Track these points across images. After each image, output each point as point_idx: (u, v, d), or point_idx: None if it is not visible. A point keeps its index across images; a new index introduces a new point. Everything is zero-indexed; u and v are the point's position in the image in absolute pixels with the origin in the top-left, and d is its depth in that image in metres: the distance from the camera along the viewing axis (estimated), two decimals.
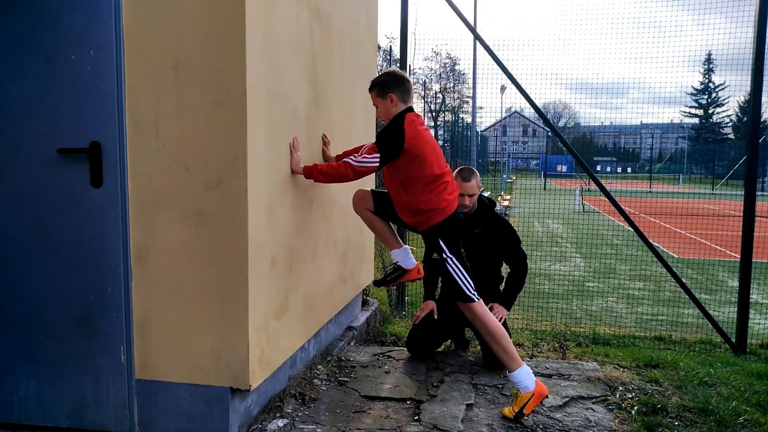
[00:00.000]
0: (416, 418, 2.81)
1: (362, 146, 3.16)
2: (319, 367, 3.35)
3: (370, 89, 3.01)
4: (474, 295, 2.93)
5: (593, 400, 3.06)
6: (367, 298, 4.79)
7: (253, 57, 2.34)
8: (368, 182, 4.46)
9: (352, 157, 2.83)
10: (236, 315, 2.38)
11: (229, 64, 2.29)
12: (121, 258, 2.41)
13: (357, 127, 4.00)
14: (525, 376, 2.81)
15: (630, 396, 3.11)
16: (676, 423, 2.82)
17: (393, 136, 2.81)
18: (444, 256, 2.93)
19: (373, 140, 4.18)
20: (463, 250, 3.00)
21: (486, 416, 2.85)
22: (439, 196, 2.88)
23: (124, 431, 2.48)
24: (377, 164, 2.80)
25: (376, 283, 3.31)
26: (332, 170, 2.80)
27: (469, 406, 2.95)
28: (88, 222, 2.42)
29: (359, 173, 2.80)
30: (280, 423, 2.65)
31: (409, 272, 3.19)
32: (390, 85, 2.92)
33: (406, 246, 3.20)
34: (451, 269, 2.92)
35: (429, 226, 2.92)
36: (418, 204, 2.89)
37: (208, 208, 2.36)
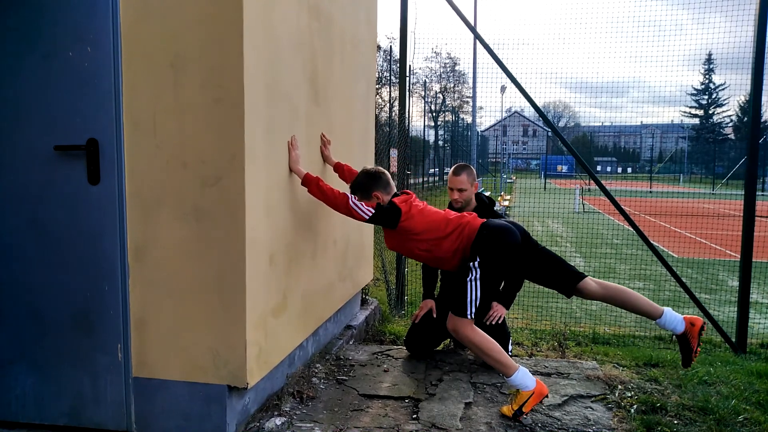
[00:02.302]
0: (415, 416, 2.80)
1: None
2: (318, 365, 3.35)
3: (352, 193, 3.03)
4: (471, 313, 2.85)
5: (592, 399, 3.05)
6: (366, 297, 4.78)
7: (251, 54, 2.33)
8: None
9: (354, 196, 2.92)
10: (234, 313, 2.37)
11: (228, 61, 2.28)
12: (118, 255, 2.40)
13: (357, 125, 3.99)
14: (522, 378, 2.80)
15: (629, 395, 3.10)
16: (675, 422, 2.81)
17: (391, 212, 2.91)
18: (472, 265, 2.84)
19: (372, 138, 4.19)
20: (496, 276, 2.95)
21: (484, 415, 2.84)
22: (457, 230, 2.91)
23: (121, 429, 2.47)
24: (367, 217, 2.87)
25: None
26: (330, 194, 2.86)
27: (467, 405, 2.95)
28: (86, 219, 2.41)
29: (349, 211, 2.87)
30: (278, 421, 2.64)
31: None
32: (369, 185, 3.02)
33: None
34: (469, 281, 2.82)
35: (470, 247, 2.89)
36: (450, 249, 2.92)
37: (206, 206, 2.35)
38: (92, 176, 2.39)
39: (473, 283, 2.83)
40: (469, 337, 2.86)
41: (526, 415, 2.77)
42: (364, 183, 3.03)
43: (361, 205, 2.88)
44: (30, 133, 2.40)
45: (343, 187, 3.52)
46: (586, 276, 2.98)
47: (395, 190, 3.10)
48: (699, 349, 2.91)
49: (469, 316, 2.84)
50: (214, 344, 2.39)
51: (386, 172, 3.09)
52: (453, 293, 2.89)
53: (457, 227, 2.92)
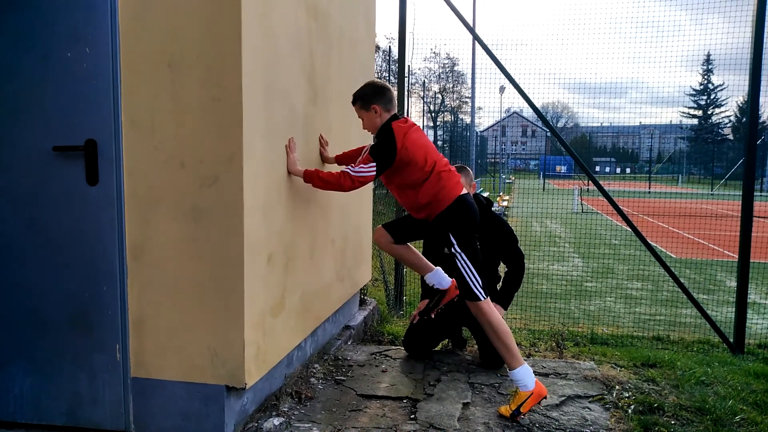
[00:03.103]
0: (412, 416, 2.80)
1: (363, 148, 3.17)
2: (316, 365, 3.35)
3: (353, 103, 3.06)
4: (481, 293, 2.91)
5: (590, 399, 3.06)
6: (365, 297, 4.78)
7: (249, 54, 2.33)
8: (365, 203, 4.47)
9: (350, 167, 2.86)
10: (232, 313, 2.37)
11: (226, 61, 2.29)
12: (116, 255, 2.40)
13: (355, 125, 3.98)
14: (525, 374, 2.81)
15: (627, 395, 3.11)
16: (673, 422, 2.82)
17: (386, 147, 2.86)
18: (453, 250, 2.91)
19: (371, 142, 4.19)
20: (478, 244, 2.98)
21: (482, 415, 2.85)
22: (436, 187, 2.90)
23: (119, 429, 2.47)
24: (374, 173, 2.84)
25: (422, 313, 3.28)
26: (332, 178, 2.83)
27: (465, 405, 2.95)
28: (84, 220, 2.41)
29: (358, 182, 2.82)
30: (276, 421, 2.64)
31: (448, 291, 3.13)
32: (372, 96, 2.98)
33: (438, 268, 3.15)
34: (460, 266, 2.90)
35: (435, 216, 2.94)
36: (420, 200, 2.94)
37: (204, 206, 2.35)
38: (90, 176, 2.39)
39: (462, 262, 2.90)
40: (487, 317, 2.91)
41: (523, 415, 2.78)
42: (367, 93, 2.99)
43: (362, 166, 2.82)
44: (28, 133, 2.40)
45: (342, 194, 3.53)
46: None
47: (396, 110, 3.04)
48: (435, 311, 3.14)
49: (481, 296, 2.90)
50: (212, 344, 2.40)
51: (392, 89, 3.05)
52: (456, 276, 2.96)
53: (436, 187, 2.90)
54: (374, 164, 2.83)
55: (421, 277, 3.80)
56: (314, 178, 2.82)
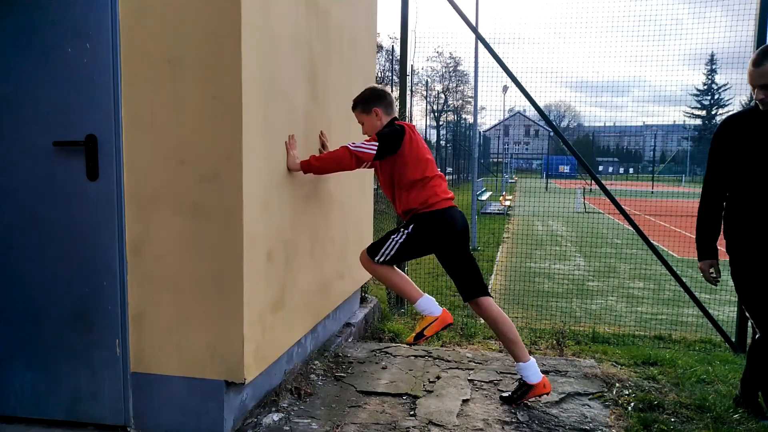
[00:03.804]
0: (412, 413, 2.80)
1: None
2: (316, 362, 3.35)
3: (354, 108, 3.07)
4: (380, 257, 2.86)
5: (590, 397, 3.06)
6: (366, 295, 4.79)
7: (249, 51, 2.34)
8: (366, 200, 4.47)
9: (351, 143, 2.85)
10: (231, 308, 2.38)
11: (225, 58, 2.29)
12: (116, 251, 2.41)
13: (355, 123, 3.98)
14: (426, 303, 2.89)
15: (627, 393, 3.10)
16: (673, 419, 2.81)
17: (394, 132, 2.87)
18: (403, 230, 2.87)
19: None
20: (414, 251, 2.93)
21: (482, 411, 2.85)
22: (429, 192, 2.87)
23: (119, 424, 2.48)
24: (374, 151, 2.80)
25: (503, 399, 2.99)
26: (329, 155, 2.82)
27: (464, 402, 2.95)
28: (84, 215, 2.42)
29: (355, 157, 2.79)
30: (276, 417, 2.65)
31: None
32: (372, 100, 3.00)
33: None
34: (392, 239, 2.86)
35: (413, 215, 2.90)
36: (409, 203, 2.89)
37: (203, 202, 2.36)
38: (91, 172, 2.40)
39: (394, 243, 2.86)
40: (375, 272, 2.95)
41: (427, 337, 2.83)
42: (367, 96, 3.01)
43: (363, 144, 2.81)
44: (29, 129, 2.42)
45: (342, 189, 3.53)
46: (491, 296, 3.00)
47: (396, 115, 3.06)
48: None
49: (375, 261, 2.90)
50: (211, 340, 2.40)
51: (392, 94, 3.06)
52: (379, 238, 2.94)
53: (425, 196, 2.86)
54: (377, 143, 2.80)
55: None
56: (311, 164, 2.81)
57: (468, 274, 2.97)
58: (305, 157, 3.02)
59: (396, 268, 2.99)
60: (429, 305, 2.88)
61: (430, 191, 2.87)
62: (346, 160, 2.79)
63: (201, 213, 2.37)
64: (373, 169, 3.31)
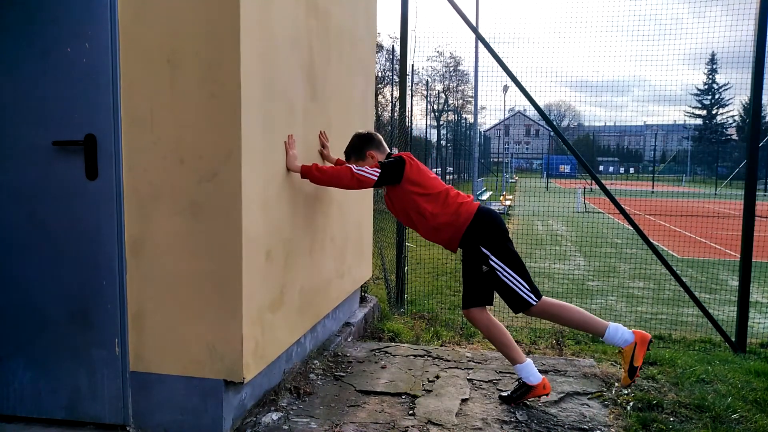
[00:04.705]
0: (411, 412, 2.81)
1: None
2: (315, 361, 3.36)
3: (348, 159, 3.12)
4: (531, 297, 2.83)
5: (589, 396, 3.06)
6: (366, 294, 4.79)
7: (248, 51, 2.34)
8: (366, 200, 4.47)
9: (354, 165, 2.89)
10: (230, 308, 2.38)
11: (224, 57, 2.30)
12: (116, 250, 2.42)
13: (355, 122, 4.00)
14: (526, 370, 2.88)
15: (626, 392, 3.10)
16: (672, 419, 2.81)
17: (395, 162, 2.90)
18: (492, 263, 2.82)
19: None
20: (511, 243, 2.89)
21: (481, 411, 2.85)
22: (454, 203, 2.87)
23: (118, 423, 2.49)
24: (375, 178, 2.84)
25: (502, 398, 2.97)
26: (332, 170, 2.84)
27: (463, 401, 2.95)
28: (84, 214, 2.42)
29: (356, 180, 2.83)
30: (275, 416, 2.65)
31: (535, 388, 2.87)
32: (363, 145, 3.08)
33: (529, 360, 2.91)
34: (503, 278, 2.82)
35: (462, 235, 2.86)
36: (440, 218, 2.86)
37: (202, 201, 2.36)
38: (90, 171, 2.40)
39: (506, 276, 2.81)
40: (556, 315, 2.89)
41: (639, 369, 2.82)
42: (357, 144, 3.08)
43: (365, 169, 2.85)
44: (28, 128, 2.42)
45: (342, 191, 3.53)
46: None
47: (389, 150, 3.11)
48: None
49: (533, 301, 2.83)
50: (210, 339, 2.41)
51: (377, 134, 3.12)
52: (502, 293, 2.88)
53: (459, 206, 2.86)
54: (379, 171, 2.84)
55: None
56: (312, 171, 2.82)
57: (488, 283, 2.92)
58: (304, 156, 3.03)
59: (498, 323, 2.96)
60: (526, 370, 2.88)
61: (453, 200, 2.88)
62: (346, 179, 2.82)
63: (200, 212, 2.37)
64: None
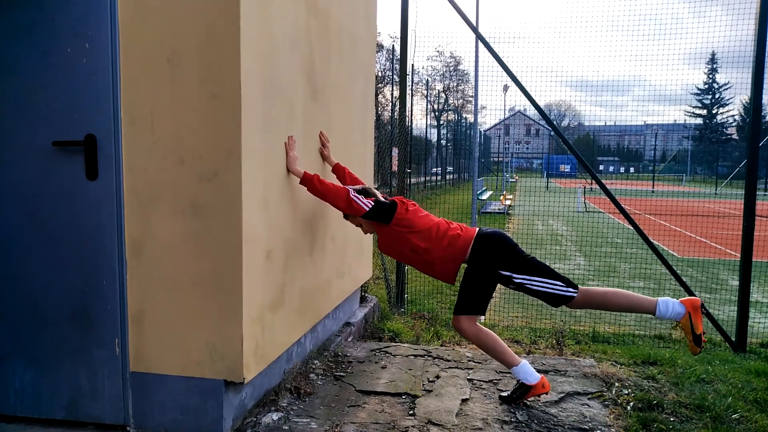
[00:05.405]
0: (411, 412, 2.81)
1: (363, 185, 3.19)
2: (316, 361, 3.36)
3: (345, 218, 3.14)
4: (569, 290, 2.80)
5: (589, 396, 3.06)
6: (366, 294, 4.79)
7: (248, 50, 2.34)
8: (367, 176, 4.46)
9: (352, 188, 2.93)
10: (231, 308, 2.38)
11: (224, 57, 2.29)
12: (116, 250, 2.42)
13: (355, 122, 4.00)
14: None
15: (626, 392, 3.10)
16: (672, 419, 2.81)
17: (389, 205, 2.94)
18: (517, 281, 2.81)
19: (371, 135, 4.20)
20: (523, 252, 2.88)
21: (481, 411, 2.85)
22: (452, 233, 2.87)
23: (118, 423, 2.49)
24: (367, 209, 2.88)
25: (502, 398, 2.99)
26: (332, 188, 2.88)
27: (464, 401, 2.95)
28: (84, 215, 2.42)
29: (349, 203, 2.87)
30: (275, 416, 2.65)
31: (535, 387, 2.90)
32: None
33: (524, 361, 2.93)
34: (533, 287, 2.80)
35: (458, 265, 2.87)
36: (430, 253, 2.87)
37: (202, 201, 2.36)
38: (90, 172, 2.40)
39: (534, 284, 2.80)
40: (595, 300, 2.86)
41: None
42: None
43: (362, 197, 2.90)
44: (28, 128, 2.42)
45: None
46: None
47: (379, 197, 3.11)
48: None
49: (574, 293, 2.81)
50: (210, 339, 2.40)
51: (368, 187, 3.13)
52: (540, 298, 2.86)
53: (452, 238, 2.87)
54: (372, 205, 2.89)
55: None
56: (314, 182, 2.84)
57: (489, 294, 2.93)
58: (304, 157, 3.03)
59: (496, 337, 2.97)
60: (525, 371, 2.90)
61: (444, 234, 2.88)
62: (342, 200, 2.87)
63: (200, 212, 2.37)
64: (373, 173, 3.30)
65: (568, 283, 2.83)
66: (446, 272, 2.91)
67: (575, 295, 2.81)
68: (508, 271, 2.81)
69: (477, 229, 2.94)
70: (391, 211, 2.92)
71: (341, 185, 2.94)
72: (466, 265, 2.92)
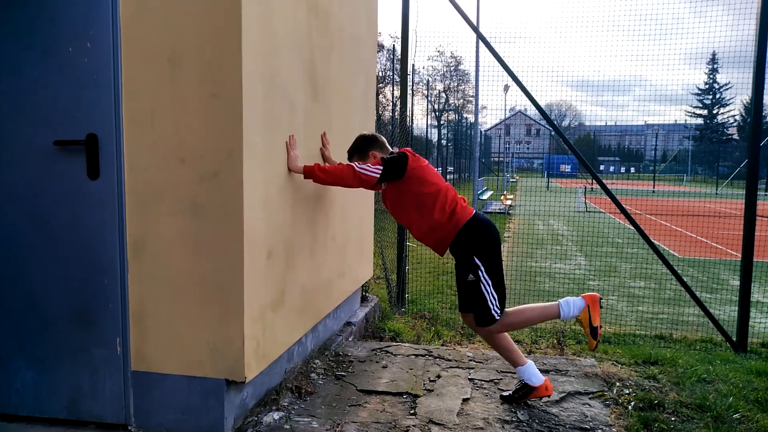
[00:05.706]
0: (412, 412, 2.81)
1: None
2: (317, 361, 3.36)
3: (350, 158, 3.13)
4: (497, 313, 2.84)
5: (590, 396, 3.06)
6: (367, 294, 4.79)
7: (249, 50, 2.34)
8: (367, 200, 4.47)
9: (356, 163, 2.88)
10: (232, 307, 2.38)
11: (225, 57, 2.30)
12: (117, 250, 2.42)
13: (356, 122, 4.00)
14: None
15: (627, 392, 3.10)
16: (673, 418, 2.81)
17: (398, 158, 2.89)
18: (480, 275, 2.81)
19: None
20: (499, 260, 2.88)
21: (482, 410, 2.85)
22: (452, 204, 2.85)
23: (119, 422, 2.49)
24: (378, 175, 2.83)
25: (503, 398, 2.97)
26: (334, 169, 2.84)
27: (465, 401, 2.95)
28: (85, 214, 2.43)
29: (358, 178, 2.82)
30: (276, 416, 2.65)
31: (538, 390, 2.89)
32: (366, 146, 3.08)
33: (530, 362, 2.93)
34: (485, 291, 2.82)
35: (453, 238, 2.85)
36: (436, 216, 2.84)
37: (203, 201, 2.36)
38: (92, 171, 2.40)
39: (487, 291, 2.81)
40: (494, 341, 2.93)
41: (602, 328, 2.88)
42: (361, 144, 3.09)
43: (367, 166, 2.84)
44: (30, 128, 2.42)
45: (343, 191, 3.53)
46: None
47: (391, 150, 3.10)
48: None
49: (497, 317, 2.84)
50: (212, 338, 2.41)
51: (381, 136, 3.13)
52: (472, 306, 2.86)
53: (451, 206, 2.85)
54: (381, 168, 2.83)
55: None
56: (316, 172, 2.81)
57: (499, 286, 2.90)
58: (305, 156, 3.03)
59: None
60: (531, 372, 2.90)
61: (452, 202, 2.86)
62: (349, 178, 2.82)
63: (201, 212, 2.37)
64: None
65: (502, 307, 2.88)
66: (441, 242, 2.89)
67: (498, 319, 2.85)
68: (481, 262, 2.81)
69: (473, 210, 2.93)
70: (403, 163, 2.85)
71: (343, 165, 2.87)
72: (452, 254, 2.91)
